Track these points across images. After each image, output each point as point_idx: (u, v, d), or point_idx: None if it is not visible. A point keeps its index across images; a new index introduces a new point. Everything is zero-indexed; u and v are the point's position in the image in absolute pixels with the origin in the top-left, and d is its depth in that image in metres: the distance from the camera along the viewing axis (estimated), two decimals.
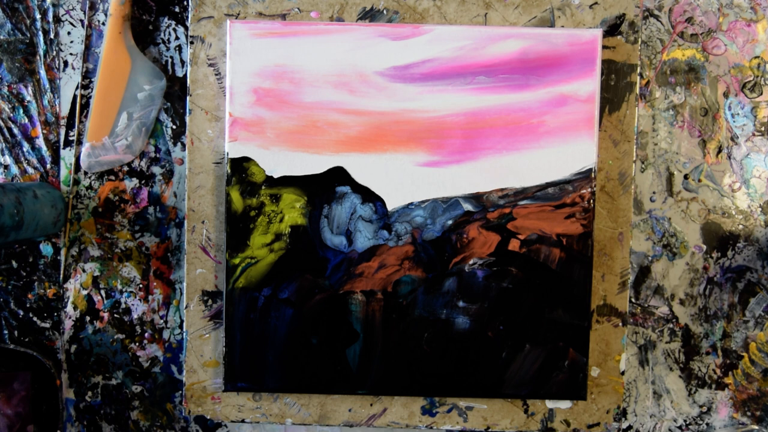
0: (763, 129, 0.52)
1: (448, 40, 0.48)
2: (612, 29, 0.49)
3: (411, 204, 0.49)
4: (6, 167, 0.53)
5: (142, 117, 0.50)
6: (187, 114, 0.50)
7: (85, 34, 0.52)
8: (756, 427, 0.54)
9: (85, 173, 0.52)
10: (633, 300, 0.53)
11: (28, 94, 0.52)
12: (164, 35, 0.52)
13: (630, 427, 0.54)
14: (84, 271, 0.53)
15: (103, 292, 0.53)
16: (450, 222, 0.49)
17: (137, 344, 0.54)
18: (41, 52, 0.52)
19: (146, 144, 0.51)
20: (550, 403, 0.51)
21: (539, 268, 0.49)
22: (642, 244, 0.53)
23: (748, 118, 0.52)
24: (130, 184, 0.52)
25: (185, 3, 0.52)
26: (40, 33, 0.52)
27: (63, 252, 0.53)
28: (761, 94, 0.52)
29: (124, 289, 0.53)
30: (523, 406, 0.52)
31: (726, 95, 0.52)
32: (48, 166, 0.53)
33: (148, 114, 0.50)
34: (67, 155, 0.52)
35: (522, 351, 0.50)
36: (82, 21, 0.52)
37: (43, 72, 0.52)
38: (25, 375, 0.52)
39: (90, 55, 0.52)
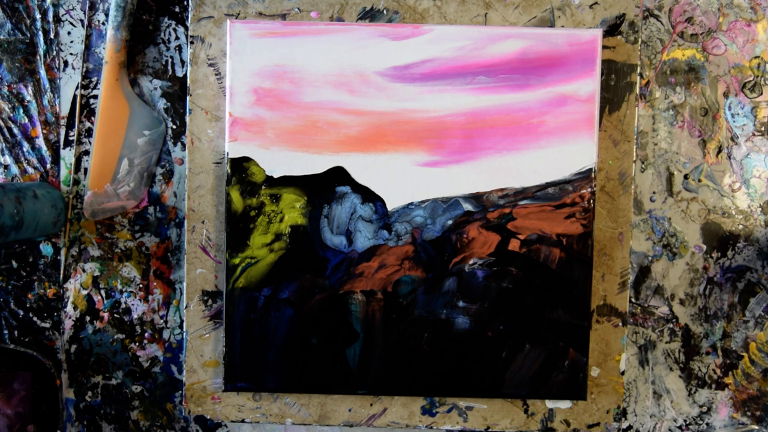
0: (763, 129, 0.52)
1: (448, 40, 0.48)
2: (612, 29, 0.49)
3: (411, 204, 0.49)
4: (6, 167, 0.53)
5: (142, 162, 0.50)
6: (187, 114, 0.50)
7: (85, 34, 0.52)
8: (756, 427, 0.54)
9: (85, 174, 0.52)
10: (633, 300, 0.53)
11: (28, 94, 0.52)
12: (164, 35, 0.52)
13: (630, 427, 0.54)
14: (84, 271, 0.53)
15: (103, 292, 0.53)
16: (450, 222, 0.49)
17: (137, 344, 0.54)
18: (41, 52, 0.52)
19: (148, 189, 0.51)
20: (550, 403, 0.51)
21: (539, 268, 0.49)
22: (642, 244, 0.53)
23: (748, 118, 0.52)
24: None
25: (185, 3, 0.52)
26: (40, 33, 0.52)
27: (63, 252, 0.53)
28: (761, 94, 0.52)
29: (124, 289, 0.53)
30: (523, 406, 0.52)
31: (726, 95, 0.52)
32: (48, 166, 0.53)
33: (149, 159, 0.51)
34: (67, 155, 0.52)
35: (522, 351, 0.50)
36: (82, 21, 0.52)
37: (43, 72, 0.52)
38: (25, 375, 0.52)
39: (90, 55, 0.52)
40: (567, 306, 0.49)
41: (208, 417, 0.51)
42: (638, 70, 0.50)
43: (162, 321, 0.53)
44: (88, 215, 0.52)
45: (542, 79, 0.48)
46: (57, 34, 0.52)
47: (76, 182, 0.52)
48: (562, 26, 0.49)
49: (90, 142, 0.52)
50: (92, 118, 0.52)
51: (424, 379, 0.50)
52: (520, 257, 0.49)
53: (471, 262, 0.49)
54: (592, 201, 0.49)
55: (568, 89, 0.48)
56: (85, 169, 0.52)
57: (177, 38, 0.52)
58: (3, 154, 0.53)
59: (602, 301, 0.51)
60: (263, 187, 0.49)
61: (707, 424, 0.54)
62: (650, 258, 0.53)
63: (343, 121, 0.49)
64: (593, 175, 0.49)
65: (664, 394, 0.54)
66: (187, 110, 0.50)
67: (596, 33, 0.48)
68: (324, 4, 0.49)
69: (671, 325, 0.53)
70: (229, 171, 0.49)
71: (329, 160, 0.49)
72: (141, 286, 0.53)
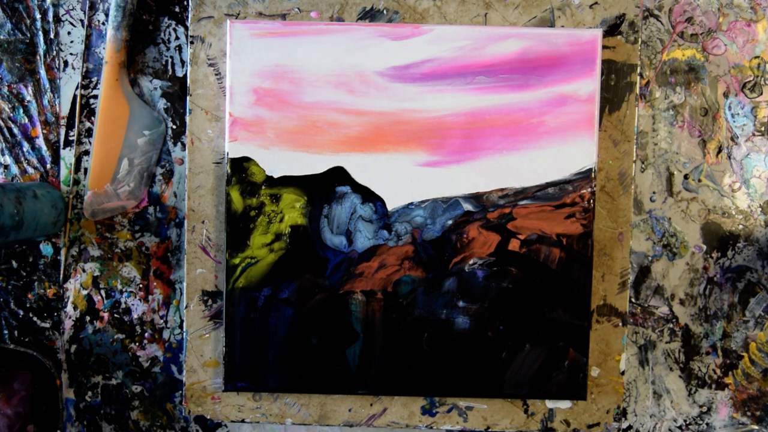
0: (763, 129, 0.52)
1: (448, 40, 0.48)
2: (612, 29, 0.49)
3: (411, 204, 0.49)
4: (6, 167, 0.53)
5: (142, 162, 0.50)
6: (187, 114, 0.50)
7: (85, 34, 0.52)
8: (756, 427, 0.54)
9: (85, 174, 0.52)
10: (633, 300, 0.53)
11: (28, 94, 0.52)
12: (164, 35, 0.52)
13: (630, 427, 0.54)
14: (84, 271, 0.53)
15: (103, 292, 0.53)
16: (450, 222, 0.49)
17: (137, 344, 0.54)
18: (41, 52, 0.52)
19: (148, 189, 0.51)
20: (550, 403, 0.51)
21: (539, 268, 0.49)
22: (642, 244, 0.53)
23: (748, 118, 0.52)
24: None
25: (185, 3, 0.52)
26: (40, 33, 0.52)
27: (63, 252, 0.53)
28: (761, 94, 0.52)
29: (124, 289, 0.53)
30: (523, 406, 0.52)
31: (726, 95, 0.52)
32: (48, 166, 0.53)
33: (149, 159, 0.51)
34: (67, 155, 0.52)
35: (522, 351, 0.50)
36: (82, 21, 0.52)
37: (43, 72, 0.52)
38: (25, 375, 0.52)
39: (90, 55, 0.52)
40: (567, 306, 0.49)
41: (208, 417, 0.51)
42: (638, 70, 0.50)
43: (162, 321, 0.53)
44: (88, 215, 0.52)
45: (542, 79, 0.48)
46: (57, 34, 0.52)
47: (76, 182, 0.52)
48: (562, 26, 0.49)
49: (90, 142, 0.52)
50: (92, 118, 0.52)
51: (424, 379, 0.50)
52: (520, 257, 0.49)
53: (471, 262, 0.49)
54: (592, 201, 0.49)
55: (568, 89, 0.48)
56: (85, 169, 0.52)
57: (177, 38, 0.52)
58: (3, 154, 0.53)
59: (602, 301, 0.51)
60: (263, 187, 0.49)
61: (707, 424, 0.54)
62: (650, 258, 0.53)
63: (343, 121, 0.49)
64: (593, 175, 0.49)
65: (664, 394, 0.54)
66: (187, 110, 0.50)
67: (596, 33, 0.48)
68: (324, 4, 0.49)
69: (671, 325, 0.53)
70: (229, 171, 0.49)
71: (329, 160, 0.49)
72: (141, 286, 0.53)
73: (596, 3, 0.49)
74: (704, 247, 0.53)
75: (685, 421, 0.54)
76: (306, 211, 0.49)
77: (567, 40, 0.48)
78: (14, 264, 0.53)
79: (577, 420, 0.52)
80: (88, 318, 0.53)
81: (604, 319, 0.51)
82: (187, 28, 0.52)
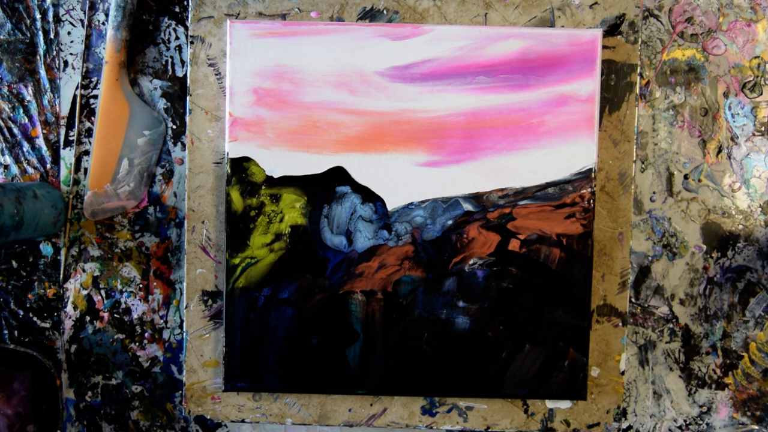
0: (763, 129, 0.52)
1: (448, 40, 0.48)
2: (612, 29, 0.49)
3: (411, 204, 0.49)
4: (6, 167, 0.53)
5: (142, 162, 0.50)
6: (187, 114, 0.50)
7: (85, 34, 0.52)
8: (756, 427, 0.54)
9: (85, 174, 0.52)
10: (633, 300, 0.53)
11: (28, 94, 0.52)
12: (164, 35, 0.52)
13: (630, 427, 0.54)
14: (84, 271, 0.53)
15: (103, 292, 0.53)
16: (450, 222, 0.49)
17: (137, 344, 0.54)
18: (41, 52, 0.52)
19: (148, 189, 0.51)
20: (550, 403, 0.51)
21: (539, 268, 0.49)
22: (642, 244, 0.53)
23: (748, 118, 0.52)
24: None
25: (185, 3, 0.52)
26: (40, 33, 0.52)
27: (63, 252, 0.53)
28: (761, 94, 0.52)
29: (124, 289, 0.53)
30: (523, 406, 0.52)
31: (726, 95, 0.52)
32: (48, 166, 0.53)
33: (149, 159, 0.51)
34: (67, 155, 0.52)
35: (522, 351, 0.50)
36: (82, 21, 0.52)
37: (43, 72, 0.52)
38: (25, 375, 0.52)
39: (90, 55, 0.52)
40: (567, 306, 0.49)
41: (208, 417, 0.51)
42: (638, 70, 0.50)
43: (162, 321, 0.53)
44: (88, 215, 0.52)
45: (542, 79, 0.48)
46: (57, 34, 0.52)
47: (76, 182, 0.52)
48: (562, 26, 0.49)
49: (90, 142, 0.52)
50: (92, 118, 0.52)
51: (424, 379, 0.50)
52: (520, 257, 0.49)
53: (471, 262, 0.49)
54: (592, 201, 0.49)
55: (568, 89, 0.48)
56: (85, 169, 0.52)
57: (177, 38, 0.52)
58: (3, 154, 0.53)
59: (602, 301, 0.51)
60: (263, 187, 0.49)
61: (707, 424, 0.54)
62: (650, 258, 0.53)
63: (343, 121, 0.49)
64: (593, 175, 0.49)
65: (664, 394, 0.54)
66: (187, 110, 0.50)
67: (596, 33, 0.48)
68: (324, 4, 0.49)
69: (671, 325, 0.53)
70: (229, 171, 0.49)
71: (329, 160, 0.49)
72: (141, 286, 0.53)
73: (596, 3, 0.49)
74: (704, 247, 0.53)
75: (685, 421, 0.54)
76: (306, 211, 0.49)
77: (567, 40, 0.48)
78: (14, 264, 0.53)
79: (577, 420, 0.52)
80: (88, 318, 0.53)
81: (604, 319, 0.51)
82: (187, 28, 0.52)
